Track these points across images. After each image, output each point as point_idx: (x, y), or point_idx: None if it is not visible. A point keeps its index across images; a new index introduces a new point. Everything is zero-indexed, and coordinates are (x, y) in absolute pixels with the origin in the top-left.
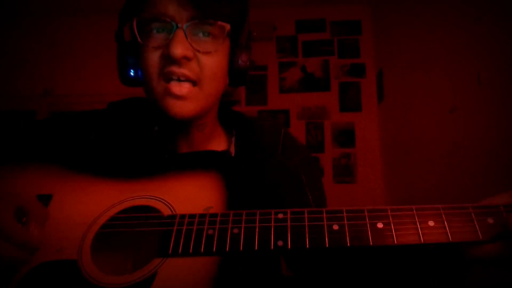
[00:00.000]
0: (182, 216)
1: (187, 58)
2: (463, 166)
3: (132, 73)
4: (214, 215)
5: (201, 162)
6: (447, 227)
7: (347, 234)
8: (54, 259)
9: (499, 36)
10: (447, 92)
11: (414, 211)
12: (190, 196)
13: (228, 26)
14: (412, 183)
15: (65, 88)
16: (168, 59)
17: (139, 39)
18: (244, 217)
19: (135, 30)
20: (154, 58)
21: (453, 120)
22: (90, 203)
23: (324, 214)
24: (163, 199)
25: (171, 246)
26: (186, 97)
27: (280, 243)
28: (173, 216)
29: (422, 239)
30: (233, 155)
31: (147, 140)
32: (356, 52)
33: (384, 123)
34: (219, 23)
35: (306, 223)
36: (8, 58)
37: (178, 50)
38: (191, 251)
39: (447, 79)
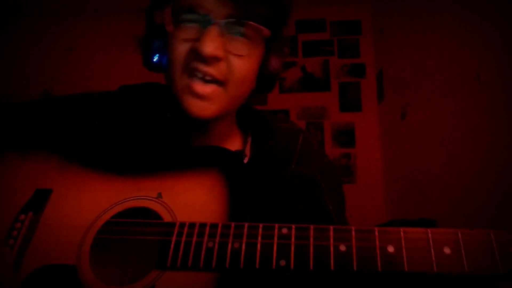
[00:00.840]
0: (182, 225)
1: (217, 58)
2: (463, 166)
3: (156, 58)
4: (214, 226)
5: (209, 160)
6: (463, 256)
7: (354, 258)
8: (54, 263)
9: (499, 36)
10: (447, 92)
11: (429, 234)
12: (192, 200)
13: (266, 31)
14: (412, 183)
15: (65, 88)
16: (197, 55)
17: (170, 28)
18: (246, 230)
19: (168, 18)
20: (182, 50)
21: (453, 119)
22: (89, 201)
23: (332, 232)
24: (163, 202)
25: (170, 258)
26: (208, 97)
27: (282, 262)
28: (172, 224)
29: (435, 269)
30: (247, 156)
31: (157, 131)
32: (356, 52)
33: (384, 123)
34: (258, 26)
35: (311, 242)
36: (8, 58)
37: (209, 48)
38: (189, 265)
39: (447, 79)
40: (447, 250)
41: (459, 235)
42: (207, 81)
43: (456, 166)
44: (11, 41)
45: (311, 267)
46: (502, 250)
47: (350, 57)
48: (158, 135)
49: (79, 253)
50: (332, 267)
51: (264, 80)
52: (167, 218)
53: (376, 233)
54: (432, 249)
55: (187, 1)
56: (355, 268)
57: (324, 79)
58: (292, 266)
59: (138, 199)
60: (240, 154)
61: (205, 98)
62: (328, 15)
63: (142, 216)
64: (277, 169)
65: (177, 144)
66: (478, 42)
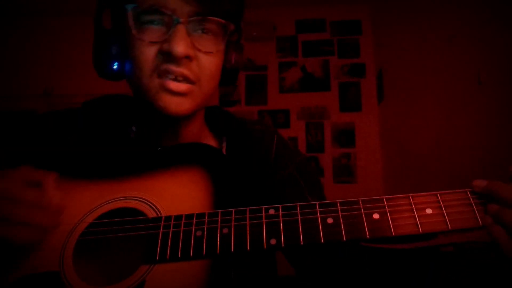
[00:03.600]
0: (168, 218)
1: (189, 58)
2: (463, 166)
3: (115, 66)
4: (201, 215)
5: (186, 157)
6: (445, 215)
7: (343, 228)
8: (34, 272)
9: (499, 36)
10: (447, 92)
11: (411, 199)
12: (176, 194)
13: (232, 26)
14: (412, 183)
15: (65, 88)
16: (167, 56)
17: (134, 32)
18: (233, 215)
19: (131, 21)
20: (149, 53)
21: (453, 120)
22: (69, 207)
23: (318, 207)
24: (146, 200)
25: (158, 251)
26: (184, 94)
27: (273, 241)
28: (158, 219)
29: (420, 229)
30: None
31: (126, 139)
32: (356, 52)
33: (384, 123)
34: (223, 21)
35: (299, 218)
36: (8, 58)
37: (181, 48)
38: (179, 255)
39: (447, 79)
40: (429, 211)
41: (439, 196)
42: (180, 81)
43: (456, 166)
44: (11, 41)
45: (302, 242)
46: (479, 204)
47: (350, 57)
48: (128, 142)
49: (61, 258)
50: (322, 240)
51: (228, 74)
52: (152, 215)
53: (361, 204)
54: (415, 211)
55: (149, 1)
56: (344, 238)
57: (324, 79)
58: (282, 244)
59: (120, 200)
60: (219, 149)
61: (181, 95)
62: (328, 15)
63: (127, 217)
64: (254, 170)
65: (149, 147)
66: (478, 42)
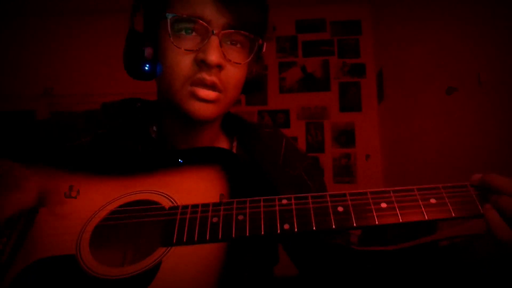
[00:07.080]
0: (185, 207)
1: (220, 67)
2: (463, 166)
3: (147, 68)
4: (217, 204)
5: (202, 156)
6: (448, 204)
7: (353, 215)
8: (50, 255)
9: (499, 36)
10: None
11: (416, 191)
12: (192, 189)
13: (260, 41)
14: (412, 183)
15: (65, 88)
16: (201, 65)
17: (172, 40)
18: (248, 204)
19: (169, 30)
20: (185, 62)
21: (453, 120)
22: (88, 200)
23: (328, 198)
24: (164, 193)
25: (175, 234)
26: (212, 100)
27: (286, 226)
28: (175, 207)
29: (426, 216)
30: None
31: (146, 139)
32: (356, 52)
33: (384, 123)
34: (253, 36)
35: (311, 206)
36: (8, 58)
37: (214, 57)
38: (196, 239)
39: (447, 79)
40: (433, 201)
41: (441, 188)
42: (210, 89)
43: (456, 166)
44: (11, 41)
45: (314, 228)
46: (480, 195)
47: (350, 57)
48: (147, 141)
49: (78, 241)
50: (333, 226)
51: (251, 83)
52: (169, 206)
53: (369, 194)
54: (420, 201)
55: (187, 11)
56: (354, 224)
57: (324, 79)
58: (296, 229)
59: (138, 193)
60: (234, 152)
61: (209, 102)
62: (328, 15)
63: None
64: (265, 169)
65: (168, 148)
66: (478, 42)
